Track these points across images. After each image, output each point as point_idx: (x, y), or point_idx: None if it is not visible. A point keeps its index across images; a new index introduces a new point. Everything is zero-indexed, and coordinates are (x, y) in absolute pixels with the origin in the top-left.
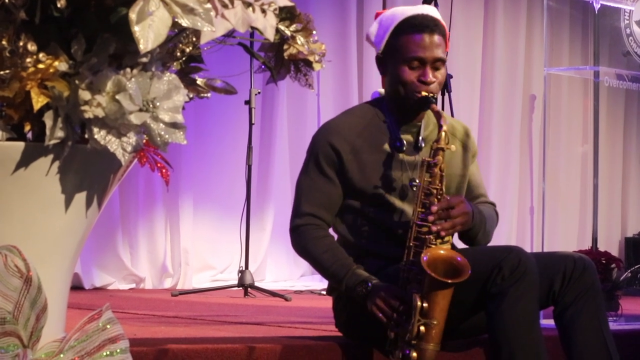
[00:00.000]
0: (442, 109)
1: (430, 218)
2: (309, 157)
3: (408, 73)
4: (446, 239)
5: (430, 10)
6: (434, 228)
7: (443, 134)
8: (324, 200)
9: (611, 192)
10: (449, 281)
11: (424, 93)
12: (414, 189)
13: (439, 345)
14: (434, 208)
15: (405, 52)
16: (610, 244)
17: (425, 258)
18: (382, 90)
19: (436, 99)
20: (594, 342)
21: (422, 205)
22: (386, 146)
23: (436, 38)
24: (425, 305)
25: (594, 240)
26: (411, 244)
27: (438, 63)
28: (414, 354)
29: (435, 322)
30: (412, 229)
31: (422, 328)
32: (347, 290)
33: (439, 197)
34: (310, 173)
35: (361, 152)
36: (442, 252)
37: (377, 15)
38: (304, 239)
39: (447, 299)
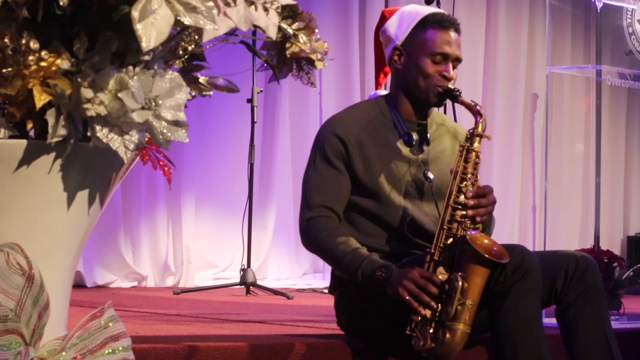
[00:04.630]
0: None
1: (470, 202)
2: (315, 151)
3: (430, 65)
4: (477, 225)
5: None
6: (470, 212)
7: (482, 122)
8: (334, 191)
9: (613, 191)
10: (492, 258)
11: (450, 85)
12: (429, 183)
13: (470, 327)
14: (470, 193)
15: (431, 45)
16: (613, 243)
17: (469, 235)
18: (382, 92)
19: (461, 92)
20: (596, 340)
21: (457, 190)
22: (391, 142)
23: (459, 38)
24: (465, 285)
25: (596, 239)
26: (445, 226)
27: (456, 62)
28: (447, 335)
29: (471, 303)
30: (446, 211)
31: (459, 308)
32: (364, 278)
33: (473, 183)
34: (317, 166)
35: (365, 145)
36: (484, 239)
37: (385, 12)
38: (315, 231)
39: (484, 280)
